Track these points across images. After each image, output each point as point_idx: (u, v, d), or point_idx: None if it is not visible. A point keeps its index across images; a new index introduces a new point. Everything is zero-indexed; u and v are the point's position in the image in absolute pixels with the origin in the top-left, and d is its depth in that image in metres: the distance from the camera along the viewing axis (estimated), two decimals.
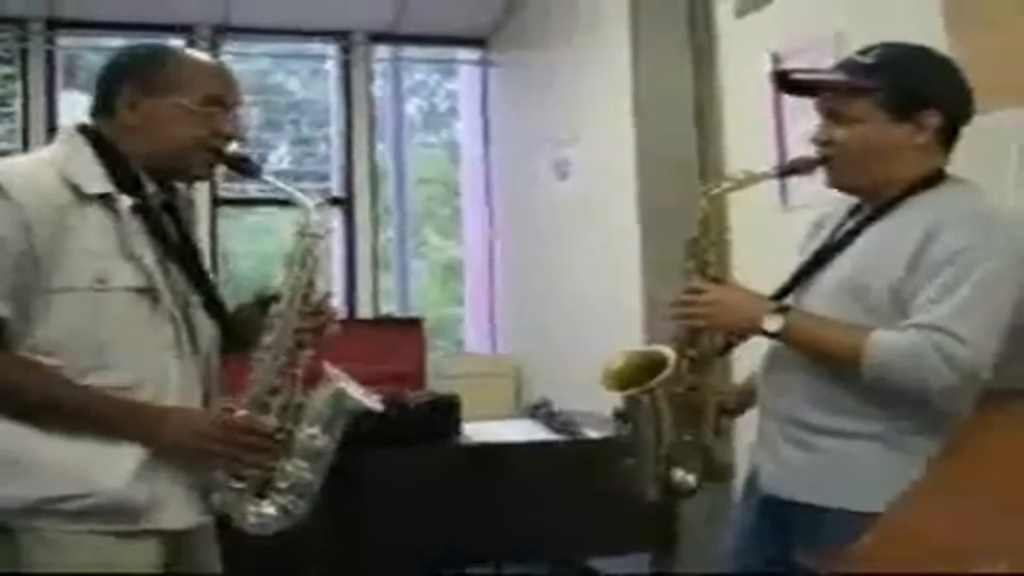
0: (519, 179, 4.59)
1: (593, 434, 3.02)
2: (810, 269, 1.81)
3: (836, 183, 1.79)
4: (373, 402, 1.76)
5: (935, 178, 1.72)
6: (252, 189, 4.75)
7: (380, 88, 5.00)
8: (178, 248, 1.74)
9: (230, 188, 4.70)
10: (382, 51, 4.94)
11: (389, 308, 4.84)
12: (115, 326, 1.63)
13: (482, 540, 2.76)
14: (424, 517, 2.72)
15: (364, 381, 1.79)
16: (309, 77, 5.27)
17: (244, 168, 1.77)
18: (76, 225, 1.61)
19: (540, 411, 3.32)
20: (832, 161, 1.76)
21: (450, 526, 2.74)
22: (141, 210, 1.68)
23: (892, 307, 1.65)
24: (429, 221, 5.87)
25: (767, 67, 2.70)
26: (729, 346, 1.88)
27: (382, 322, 4.28)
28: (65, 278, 1.60)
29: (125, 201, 1.66)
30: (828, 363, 1.70)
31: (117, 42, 4.87)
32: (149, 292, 1.66)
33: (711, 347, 1.84)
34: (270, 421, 1.70)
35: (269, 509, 1.72)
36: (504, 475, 2.86)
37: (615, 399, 1.86)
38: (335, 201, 4.77)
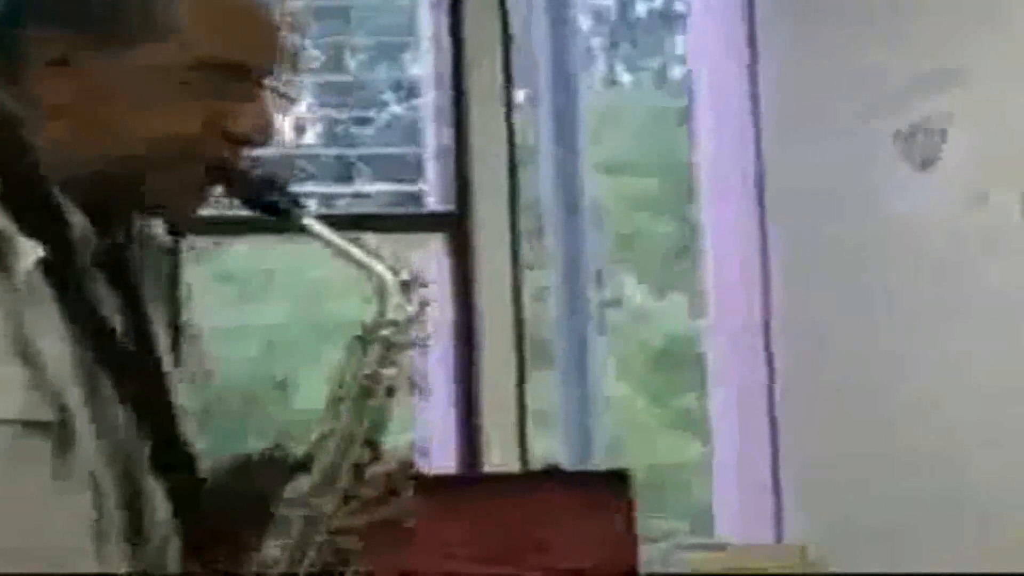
0: (824, 168, 4.62)
1: None
2: None
3: None
4: None
5: None
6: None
7: None
8: (118, 339, 1.89)
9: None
10: None
11: (549, 445, 4.93)
12: None
13: None
14: None
15: None
16: None
17: (259, 202, 1.93)
18: None
19: None
20: None
21: None
22: (57, 268, 1.82)
23: None
24: (626, 256, 5.99)
25: None
26: None
27: (542, 478, 4.47)
28: None
29: (28, 252, 1.80)
30: None
31: None
32: (54, 429, 1.80)
33: None
34: None
35: None
36: None
37: None
38: (434, 220, 4.92)
